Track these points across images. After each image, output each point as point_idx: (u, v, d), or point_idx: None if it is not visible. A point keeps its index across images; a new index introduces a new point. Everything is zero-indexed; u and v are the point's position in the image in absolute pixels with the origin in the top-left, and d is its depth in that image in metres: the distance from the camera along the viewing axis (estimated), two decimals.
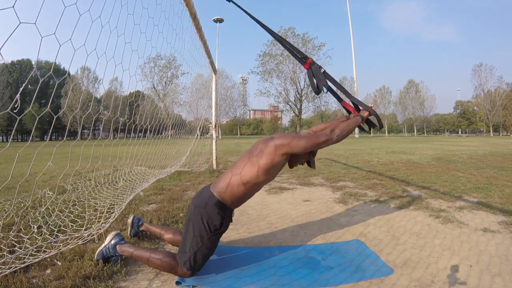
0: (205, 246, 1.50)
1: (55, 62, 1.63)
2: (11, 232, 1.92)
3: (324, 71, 1.82)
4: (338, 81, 1.81)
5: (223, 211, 1.54)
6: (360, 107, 1.82)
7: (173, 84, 40.29)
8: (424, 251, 1.84)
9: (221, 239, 2.08)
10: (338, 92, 1.86)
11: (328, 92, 1.84)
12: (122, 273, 1.56)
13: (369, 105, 1.80)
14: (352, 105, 1.85)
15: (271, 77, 39.00)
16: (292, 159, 1.65)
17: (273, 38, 2.02)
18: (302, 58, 1.85)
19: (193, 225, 1.52)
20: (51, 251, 1.66)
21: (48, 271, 1.57)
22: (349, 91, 1.89)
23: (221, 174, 1.66)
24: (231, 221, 1.67)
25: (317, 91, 1.82)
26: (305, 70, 1.84)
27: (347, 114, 1.89)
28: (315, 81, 1.81)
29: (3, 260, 1.52)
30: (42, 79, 1.54)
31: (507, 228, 2.20)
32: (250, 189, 1.56)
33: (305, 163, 1.75)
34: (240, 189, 1.53)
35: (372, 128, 1.90)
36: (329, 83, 1.81)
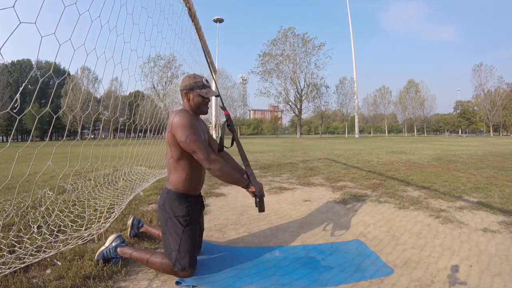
0: (184, 241, 1.51)
1: (55, 62, 1.63)
2: (11, 232, 1.92)
3: (230, 128, 1.81)
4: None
5: (184, 199, 1.57)
6: (251, 181, 1.68)
7: (173, 84, 40.28)
8: (424, 251, 1.84)
9: (221, 239, 2.09)
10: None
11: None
12: (122, 273, 1.56)
13: (259, 187, 1.66)
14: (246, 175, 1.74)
15: (271, 77, 38.97)
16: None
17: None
18: (221, 108, 1.89)
19: (165, 225, 1.55)
20: (51, 251, 1.66)
21: (48, 271, 1.57)
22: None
23: None
24: (203, 207, 1.69)
25: (220, 148, 1.82)
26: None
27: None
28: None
29: (3, 260, 1.52)
30: (42, 79, 1.54)
31: (507, 228, 2.20)
32: (187, 166, 1.57)
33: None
34: (179, 170, 1.57)
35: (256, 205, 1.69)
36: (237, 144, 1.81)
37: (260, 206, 1.65)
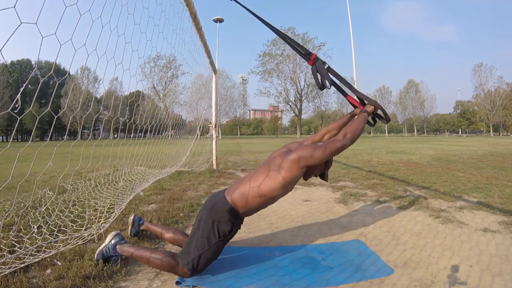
0: (210, 250, 1.50)
1: (56, 62, 1.64)
2: (11, 232, 1.92)
3: (328, 66, 1.82)
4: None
5: (235, 218, 1.54)
6: (366, 102, 1.82)
7: (173, 84, 40.31)
8: (424, 251, 1.84)
9: None
10: (343, 87, 1.87)
11: (333, 87, 1.84)
12: (122, 273, 1.56)
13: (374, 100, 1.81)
14: (357, 99, 1.85)
15: (271, 77, 39.05)
16: (308, 171, 1.63)
17: (273, 38, 2.03)
18: (306, 55, 1.84)
19: (203, 228, 1.52)
20: (51, 251, 1.65)
21: (48, 271, 1.57)
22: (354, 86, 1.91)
23: (238, 180, 1.66)
24: (239, 228, 1.67)
25: (321, 86, 1.81)
26: (305, 70, 1.85)
27: (352, 110, 1.89)
28: (319, 77, 1.81)
29: (3, 260, 1.52)
30: (43, 79, 1.53)
31: (507, 228, 2.20)
32: (265, 202, 1.56)
33: (319, 175, 1.74)
34: (255, 201, 1.53)
35: (376, 122, 1.89)
36: (334, 79, 1.81)
37: (386, 116, 1.81)
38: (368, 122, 1.85)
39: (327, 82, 1.77)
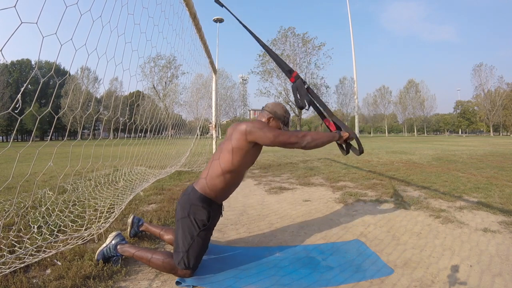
0: (196, 243, 1.51)
1: (56, 62, 1.63)
2: (11, 232, 1.92)
3: (308, 86, 1.82)
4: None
5: (208, 204, 1.55)
6: (342, 128, 1.79)
7: (173, 84, 40.29)
8: (424, 251, 1.84)
9: (221, 239, 2.09)
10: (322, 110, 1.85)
11: (311, 107, 1.83)
12: (122, 273, 1.56)
13: (351, 129, 1.78)
14: (334, 125, 1.83)
15: (271, 77, 38.95)
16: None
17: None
18: (288, 71, 1.84)
19: (182, 224, 1.53)
20: (51, 251, 1.65)
21: (48, 271, 1.57)
22: (333, 108, 1.89)
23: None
24: (221, 215, 1.68)
25: (300, 106, 1.82)
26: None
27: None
28: (298, 96, 1.80)
29: (3, 260, 1.52)
30: (44, 79, 1.53)
31: (507, 228, 2.20)
32: (229, 179, 1.56)
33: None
34: (220, 180, 1.54)
35: (348, 151, 1.85)
36: (313, 99, 1.81)
37: (360, 147, 1.76)
38: (341, 147, 1.84)
39: (305, 101, 1.77)
